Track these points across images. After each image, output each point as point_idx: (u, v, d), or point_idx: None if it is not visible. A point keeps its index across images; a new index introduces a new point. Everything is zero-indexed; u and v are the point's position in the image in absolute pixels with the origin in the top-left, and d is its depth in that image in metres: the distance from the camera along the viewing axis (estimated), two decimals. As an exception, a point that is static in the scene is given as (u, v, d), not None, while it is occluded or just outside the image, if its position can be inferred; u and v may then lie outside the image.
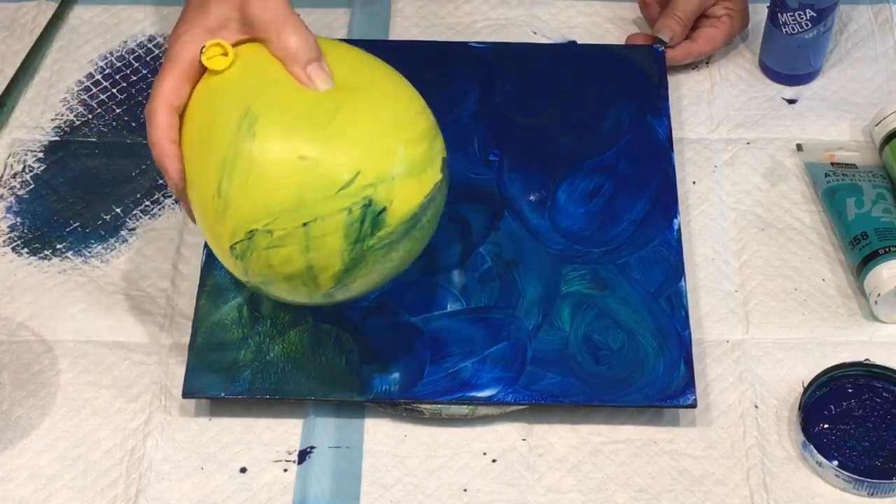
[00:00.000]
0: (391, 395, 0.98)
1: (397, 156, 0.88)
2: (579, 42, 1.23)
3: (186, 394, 0.97)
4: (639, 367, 0.99)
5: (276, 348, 1.00)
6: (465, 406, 0.98)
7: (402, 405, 0.98)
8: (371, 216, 0.87)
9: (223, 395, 0.98)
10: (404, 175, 0.88)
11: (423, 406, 0.98)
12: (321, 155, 0.86)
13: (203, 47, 0.91)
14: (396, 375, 0.98)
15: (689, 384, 0.98)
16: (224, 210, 0.88)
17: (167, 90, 0.91)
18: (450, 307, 1.02)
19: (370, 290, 0.93)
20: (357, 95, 0.89)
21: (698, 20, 1.20)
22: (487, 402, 0.98)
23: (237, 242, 0.88)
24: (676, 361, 0.99)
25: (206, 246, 1.05)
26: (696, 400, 0.97)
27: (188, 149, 0.91)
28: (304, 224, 0.86)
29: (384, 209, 0.87)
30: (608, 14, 1.25)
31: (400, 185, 0.88)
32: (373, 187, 0.86)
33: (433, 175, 0.90)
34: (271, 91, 0.88)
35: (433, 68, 1.17)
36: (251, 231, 0.87)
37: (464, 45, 1.19)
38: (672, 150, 1.11)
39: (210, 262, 1.04)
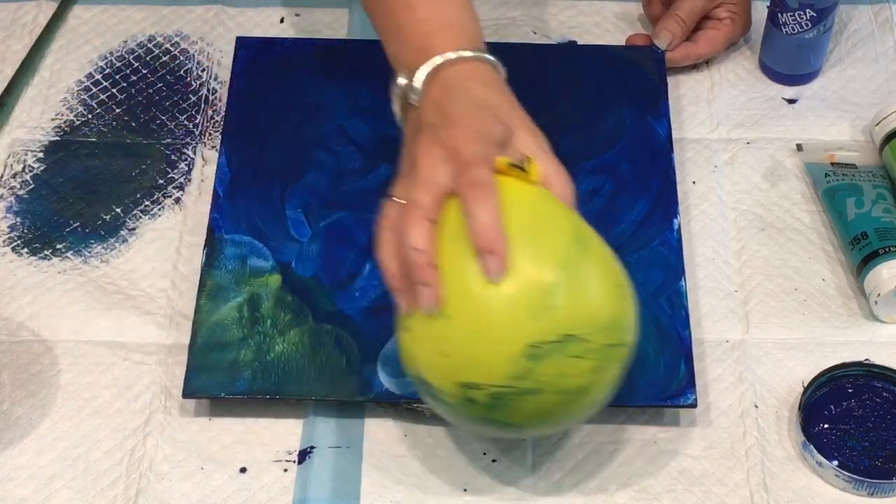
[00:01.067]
0: (392, 394, 0.98)
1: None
2: (579, 42, 1.23)
3: (187, 394, 0.97)
4: (639, 367, 0.98)
5: (276, 348, 1.00)
6: None
7: (402, 404, 0.98)
8: (630, 357, 0.90)
9: (223, 394, 0.98)
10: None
11: (424, 406, 0.98)
12: (628, 289, 0.89)
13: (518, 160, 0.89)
14: (397, 375, 0.98)
15: (690, 384, 0.98)
16: (546, 309, 0.84)
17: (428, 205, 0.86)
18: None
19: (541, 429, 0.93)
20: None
21: (701, 21, 1.20)
22: None
23: (545, 342, 0.84)
24: (676, 361, 0.99)
25: (206, 246, 1.05)
26: (696, 400, 0.97)
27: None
28: (611, 345, 0.86)
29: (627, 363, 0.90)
30: (609, 14, 1.25)
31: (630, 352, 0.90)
32: (632, 342, 0.90)
33: None
34: (584, 223, 0.90)
35: None
36: (569, 336, 0.84)
37: None
38: (672, 151, 1.11)
39: (210, 262, 1.04)
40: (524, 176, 0.89)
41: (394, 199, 0.88)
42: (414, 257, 0.85)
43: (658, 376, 0.98)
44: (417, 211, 0.86)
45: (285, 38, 1.20)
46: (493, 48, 1.19)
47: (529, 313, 0.84)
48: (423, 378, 0.88)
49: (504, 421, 0.87)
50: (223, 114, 1.15)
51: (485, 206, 0.84)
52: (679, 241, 1.06)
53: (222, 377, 0.98)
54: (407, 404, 0.98)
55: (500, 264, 0.83)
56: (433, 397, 0.88)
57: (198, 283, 1.04)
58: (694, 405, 0.97)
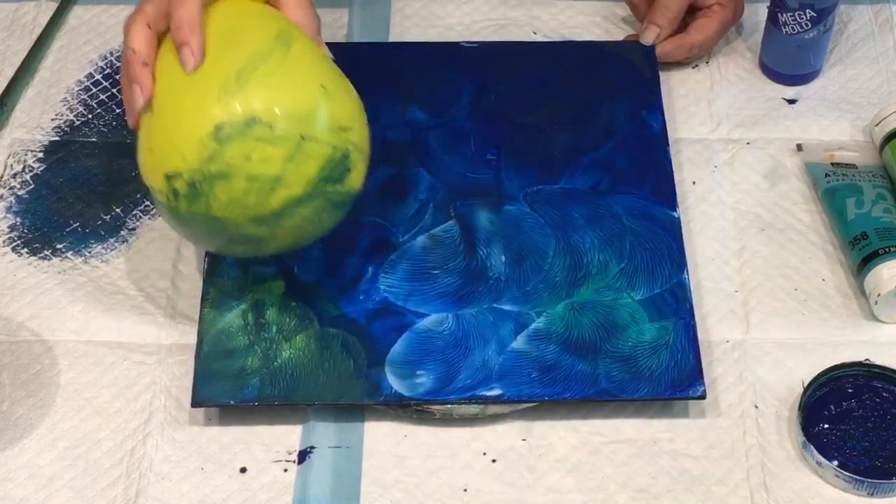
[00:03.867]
0: (402, 396, 0.98)
1: (368, 137, 0.97)
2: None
3: (196, 403, 0.97)
4: (645, 359, 0.99)
5: (283, 354, 1.00)
6: (476, 405, 0.98)
7: (412, 407, 0.98)
8: (341, 167, 0.94)
9: (233, 402, 0.97)
10: (366, 154, 0.96)
11: (433, 407, 0.98)
12: (337, 94, 0.94)
13: None
14: (406, 377, 0.98)
15: (698, 375, 0.98)
16: (233, 92, 0.90)
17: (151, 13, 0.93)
18: (455, 307, 1.02)
19: (280, 248, 0.97)
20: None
21: (691, 13, 1.20)
22: (497, 400, 0.98)
23: (230, 122, 0.89)
24: (684, 353, 0.99)
25: (207, 252, 1.05)
26: (705, 391, 0.97)
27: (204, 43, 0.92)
28: (302, 137, 0.91)
29: (348, 170, 0.94)
30: (608, 14, 1.25)
31: (361, 161, 0.96)
32: (354, 147, 0.94)
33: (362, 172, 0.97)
34: (298, 30, 0.95)
35: (427, 69, 1.17)
36: (253, 118, 0.90)
37: (455, 46, 1.19)
38: (668, 144, 1.12)
39: (211, 270, 1.04)
40: None
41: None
42: (129, 56, 0.92)
43: (666, 369, 0.98)
44: (139, 16, 0.93)
45: None
46: (485, 48, 1.19)
47: (217, 96, 0.90)
48: (146, 182, 0.93)
49: (207, 214, 0.92)
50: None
51: (185, 7, 0.91)
52: (680, 233, 1.06)
53: (230, 385, 0.98)
54: (417, 406, 0.98)
55: (193, 55, 0.90)
56: (157, 203, 0.94)
57: (198, 283, 1.04)
58: (703, 397, 0.97)
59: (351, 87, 0.96)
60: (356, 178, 0.95)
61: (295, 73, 0.92)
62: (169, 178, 0.91)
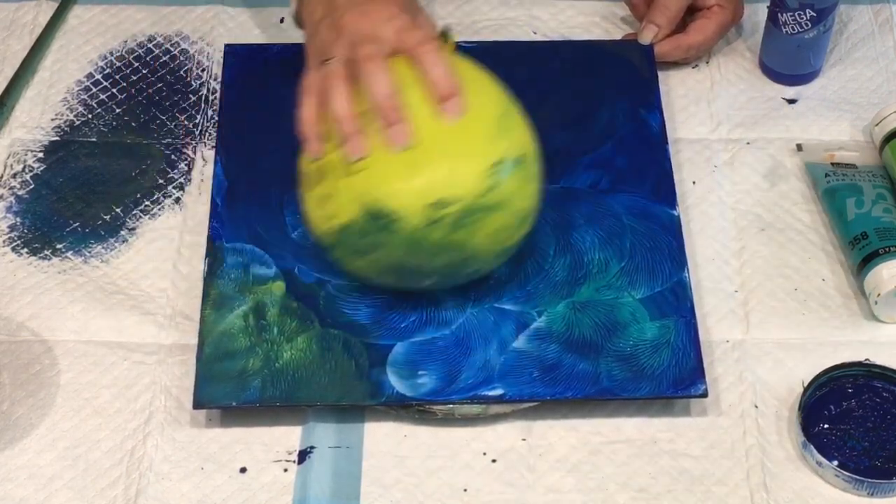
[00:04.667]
0: (404, 396, 0.98)
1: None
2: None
3: (197, 405, 0.97)
4: (647, 359, 0.99)
5: (284, 355, 1.00)
6: (478, 405, 0.98)
7: (414, 407, 0.98)
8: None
9: (234, 404, 0.97)
10: None
11: (435, 407, 0.98)
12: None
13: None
14: (407, 377, 0.98)
15: (700, 374, 0.98)
16: (503, 134, 0.96)
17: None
18: (457, 307, 1.02)
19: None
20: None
21: (691, 13, 1.20)
22: (499, 400, 0.98)
23: (507, 160, 0.95)
24: (685, 352, 0.99)
25: (207, 253, 1.05)
26: (706, 389, 0.97)
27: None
28: (538, 171, 0.99)
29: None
30: (608, 14, 1.25)
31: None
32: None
33: None
34: None
35: None
36: (521, 157, 0.97)
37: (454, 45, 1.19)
38: (667, 143, 1.12)
39: (212, 271, 1.04)
40: (444, 45, 0.99)
41: (326, 62, 0.99)
42: (385, 103, 0.94)
43: (667, 367, 0.98)
44: (378, 61, 0.96)
45: (274, 44, 1.20)
46: (487, 47, 1.19)
47: (489, 136, 0.96)
48: (385, 207, 0.94)
49: (461, 242, 0.95)
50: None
51: (437, 60, 0.96)
52: (680, 231, 1.06)
53: (232, 386, 0.98)
54: (419, 406, 0.98)
55: (459, 105, 0.95)
56: (388, 229, 0.94)
57: (199, 283, 1.04)
58: (705, 395, 0.97)
59: None
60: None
61: (522, 115, 1.00)
62: (437, 205, 0.93)
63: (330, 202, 0.95)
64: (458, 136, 0.95)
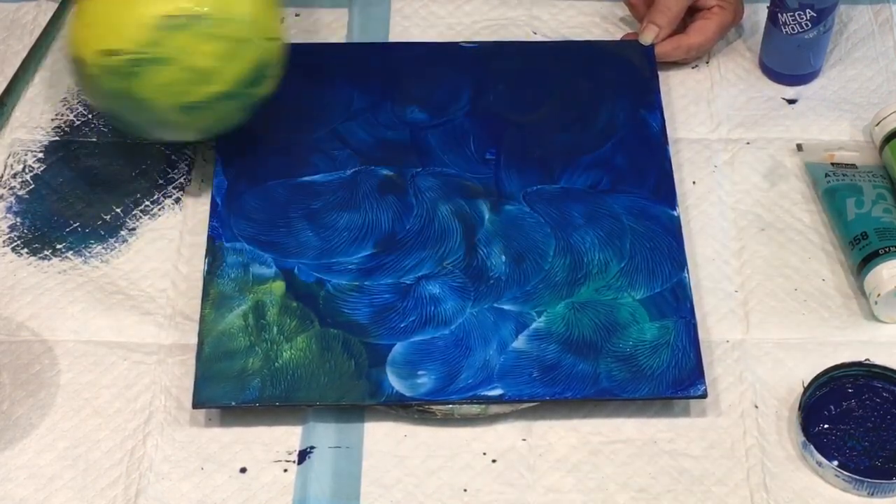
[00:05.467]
0: (403, 396, 0.98)
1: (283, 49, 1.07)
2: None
3: (197, 404, 0.97)
4: (646, 358, 0.99)
5: (284, 355, 1.00)
6: (477, 405, 0.98)
7: (413, 407, 0.98)
8: (262, 73, 1.05)
9: (234, 404, 0.97)
10: (281, 64, 1.07)
11: (435, 407, 0.98)
12: (273, 5, 1.05)
13: None
14: (407, 377, 0.98)
15: (699, 375, 0.98)
16: None
17: None
18: (457, 307, 1.02)
19: (188, 137, 1.09)
20: None
21: (691, 14, 1.20)
22: (499, 400, 0.98)
23: (179, 14, 0.99)
24: (685, 352, 0.99)
25: (207, 253, 1.05)
26: (706, 390, 0.97)
27: None
28: (240, 39, 1.02)
29: (266, 77, 1.05)
30: (608, 14, 1.25)
31: (277, 71, 1.07)
32: (276, 56, 1.06)
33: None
34: None
35: (426, 69, 1.17)
36: (201, 15, 1.00)
37: (455, 46, 1.19)
38: (667, 143, 1.12)
39: (212, 271, 1.04)
40: None
41: None
42: None
43: (666, 368, 0.98)
44: None
45: None
46: (484, 47, 1.20)
47: None
48: (74, 54, 1.02)
49: (136, 93, 1.01)
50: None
51: None
52: (680, 232, 1.06)
53: (231, 386, 0.98)
54: (419, 406, 0.98)
55: None
56: (83, 75, 1.03)
57: (198, 283, 1.04)
58: (704, 395, 0.97)
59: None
60: (269, 86, 1.06)
61: None
62: (106, 53, 1.00)
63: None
64: None
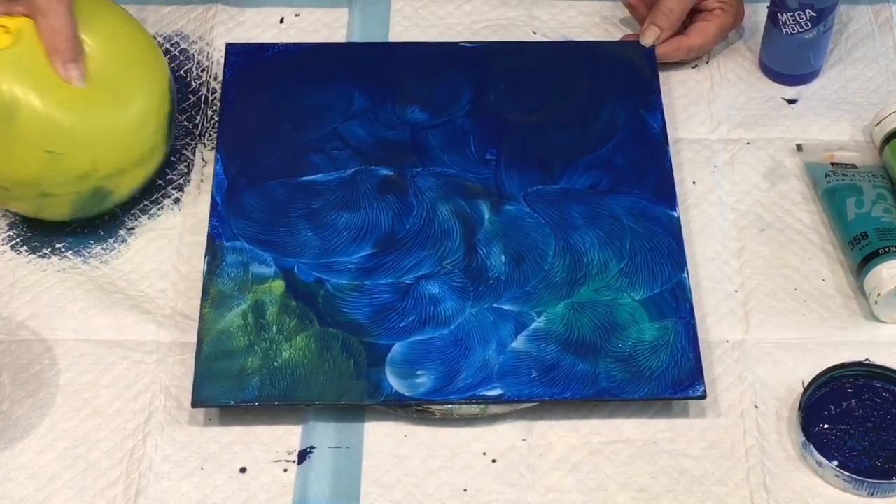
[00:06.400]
0: (402, 396, 0.98)
1: (131, 154, 1.05)
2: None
3: (195, 403, 0.97)
4: (645, 359, 0.99)
5: (283, 354, 1.00)
6: (476, 405, 0.98)
7: (413, 407, 0.98)
8: (97, 198, 1.05)
9: (232, 402, 0.97)
10: (130, 170, 1.06)
11: (434, 407, 0.98)
12: (70, 148, 1.01)
13: None
14: (406, 377, 0.98)
15: (698, 375, 0.98)
16: None
17: None
18: (456, 307, 1.02)
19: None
20: (106, 97, 1.03)
21: (691, 15, 1.20)
22: (498, 400, 0.98)
23: None
24: (684, 353, 0.99)
25: (206, 252, 1.05)
26: (705, 391, 0.97)
27: None
28: (41, 195, 1.02)
29: (107, 195, 1.05)
30: (608, 14, 1.25)
31: (123, 180, 1.06)
32: (107, 177, 1.04)
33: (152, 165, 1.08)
34: (38, 78, 1.00)
35: (426, 69, 1.17)
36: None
37: (455, 46, 1.19)
38: (668, 144, 1.12)
39: (211, 270, 1.04)
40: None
41: None
42: None
43: (666, 368, 0.98)
44: None
45: (275, 44, 1.20)
46: (485, 48, 1.20)
47: None
48: None
49: None
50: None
51: None
52: (679, 232, 1.06)
53: (230, 385, 0.98)
54: (418, 405, 0.98)
55: None
56: None
57: (198, 283, 1.04)
58: (703, 396, 0.97)
59: (95, 122, 1.02)
60: (120, 195, 1.07)
61: (20, 144, 1.00)
62: None
63: None
64: None
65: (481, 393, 0.98)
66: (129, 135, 1.04)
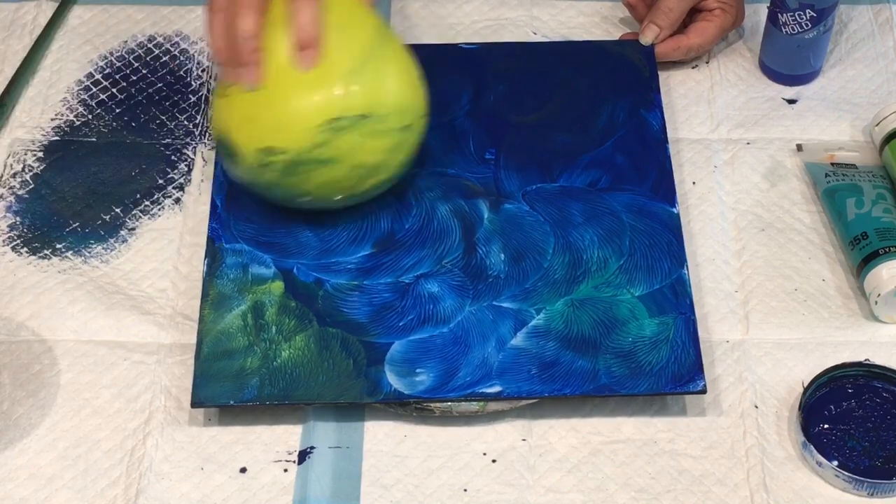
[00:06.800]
0: (402, 394, 0.98)
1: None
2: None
3: (195, 403, 0.97)
4: (645, 355, 0.99)
5: (282, 354, 1.00)
6: (476, 402, 0.98)
7: (412, 405, 0.98)
8: (419, 148, 1.05)
9: (232, 402, 0.97)
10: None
11: (433, 405, 0.98)
12: (421, 82, 1.03)
13: None
14: (405, 375, 0.98)
15: (699, 370, 0.98)
16: (349, 86, 0.98)
17: None
18: (456, 306, 1.02)
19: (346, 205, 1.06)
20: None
21: (692, 14, 1.20)
22: (497, 397, 0.98)
23: (346, 116, 0.98)
24: (684, 348, 0.99)
25: (206, 254, 1.05)
26: (705, 386, 0.97)
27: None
28: (403, 128, 1.01)
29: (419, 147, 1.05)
30: (608, 14, 1.25)
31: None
32: (426, 128, 1.05)
33: None
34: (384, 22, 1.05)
35: (426, 69, 1.17)
36: (367, 113, 0.98)
37: (454, 47, 1.19)
38: (667, 142, 1.12)
39: (211, 271, 1.04)
40: None
41: None
42: (244, 43, 0.97)
43: (666, 364, 0.98)
44: (250, 1, 0.98)
45: None
46: (484, 48, 1.19)
47: (332, 92, 0.98)
48: (230, 139, 1.00)
49: (299, 188, 1.01)
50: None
51: (308, 6, 0.97)
52: (679, 229, 1.06)
53: (230, 385, 0.98)
54: (417, 404, 0.98)
55: (314, 58, 0.97)
56: (232, 159, 1.01)
57: (198, 283, 1.04)
58: (703, 391, 0.97)
59: (414, 63, 1.04)
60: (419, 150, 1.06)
61: (397, 67, 1.01)
62: (267, 152, 0.99)
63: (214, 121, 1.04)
64: (303, 86, 0.98)
65: (481, 390, 0.98)
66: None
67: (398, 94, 1.01)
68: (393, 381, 0.98)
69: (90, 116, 1.17)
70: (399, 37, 1.04)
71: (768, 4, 1.17)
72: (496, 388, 0.98)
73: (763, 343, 1.03)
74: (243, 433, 0.98)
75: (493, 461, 0.97)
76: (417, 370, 0.99)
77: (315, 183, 1.00)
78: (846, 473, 0.94)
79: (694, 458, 0.97)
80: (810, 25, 1.14)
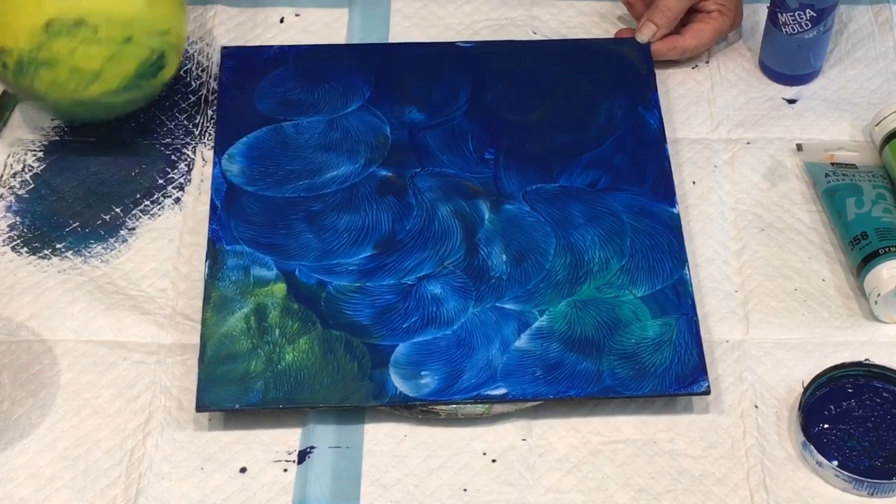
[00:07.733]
0: (407, 397, 0.98)
1: (185, 32, 1.14)
2: (578, 43, 1.23)
3: (200, 408, 0.97)
4: (648, 356, 0.99)
5: (286, 357, 1.00)
6: (481, 405, 0.98)
7: (418, 407, 0.98)
8: (157, 66, 1.10)
9: (237, 407, 0.97)
10: (181, 49, 1.13)
11: (438, 407, 0.98)
12: (171, 7, 1.10)
13: None
14: (410, 377, 0.98)
15: (702, 371, 0.98)
16: None
17: None
18: (459, 307, 1.02)
19: (96, 120, 1.14)
20: None
21: (690, 15, 1.20)
22: (503, 399, 0.98)
23: (60, 20, 1.04)
24: (687, 349, 0.99)
25: (207, 256, 1.05)
26: (709, 387, 0.97)
27: None
28: (124, 40, 1.07)
29: (162, 67, 1.10)
30: (608, 14, 1.25)
31: (175, 57, 1.12)
32: (170, 46, 1.10)
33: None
34: None
35: (424, 69, 1.17)
36: (81, 20, 1.05)
37: (452, 46, 1.19)
38: (665, 141, 1.12)
39: (213, 274, 1.04)
40: None
41: None
42: None
43: (669, 365, 0.98)
44: None
45: (271, 46, 1.19)
46: (482, 47, 1.19)
47: None
48: None
49: (31, 89, 1.08)
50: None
51: None
52: (680, 229, 1.06)
53: (234, 389, 0.98)
54: (422, 406, 0.98)
55: None
56: None
57: (198, 283, 1.04)
58: (707, 392, 0.97)
59: None
60: (169, 72, 1.12)
61: None
62: (2, 51, 1.06)
63: None
64: None
65: (486, 392, 0.98)
66: (183, 16, 1.12)
67: (119, 5, 1.06)
68: (398, 383, 0.98)
69: (90, 116, 1.17)
70: None
71: (768, 4, 1.17)
72: (501, 391, 0.98)
73: (763, 343, 1.03)
74: (243, 433, 0.98)
75: (493, 461, 0.97)
76: (422, 372, 0.99)
77: (43, 85, 1.07)
78: (846, 473, 0.94)
79: (694, 458, 0.97)
80: (810, 25, 1.14)
